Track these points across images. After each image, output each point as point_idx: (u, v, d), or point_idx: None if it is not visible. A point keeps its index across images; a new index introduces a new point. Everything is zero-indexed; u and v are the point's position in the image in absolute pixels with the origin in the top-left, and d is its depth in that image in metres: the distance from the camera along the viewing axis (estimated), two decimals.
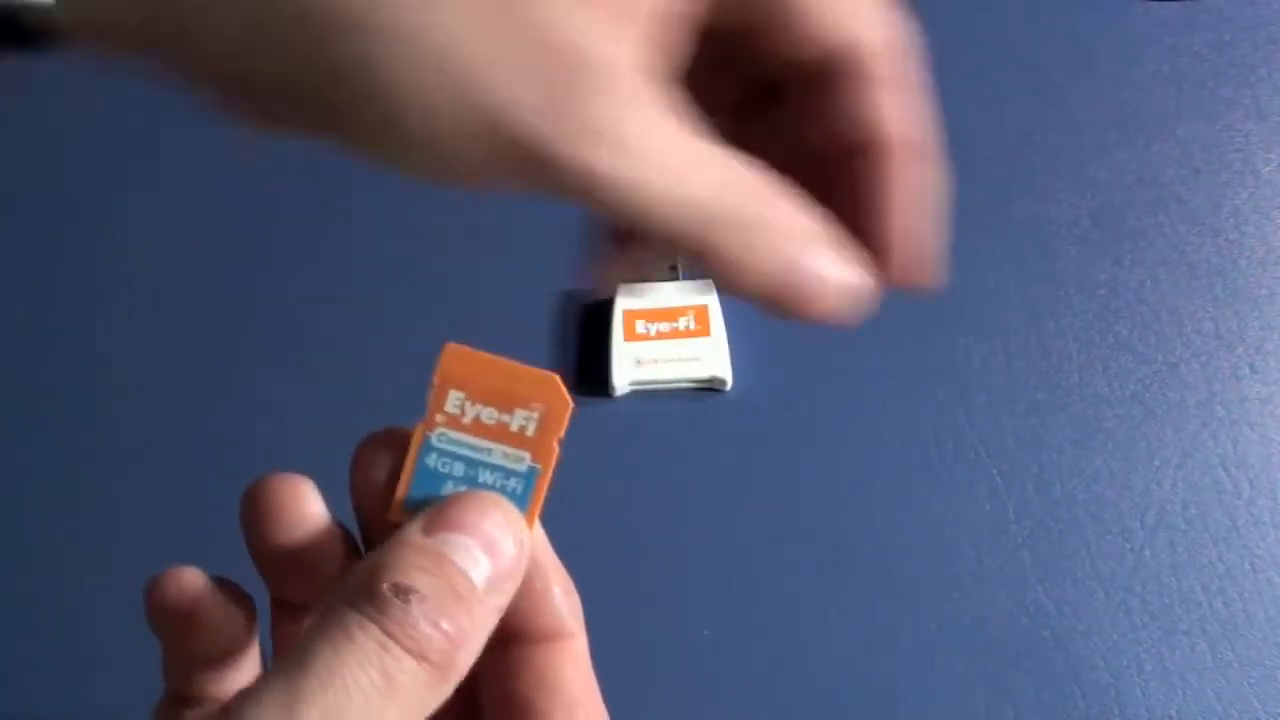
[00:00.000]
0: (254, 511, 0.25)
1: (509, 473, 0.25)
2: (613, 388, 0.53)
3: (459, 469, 0.25)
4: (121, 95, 0.60)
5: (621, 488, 0.53)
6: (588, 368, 0.55)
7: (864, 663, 0.49)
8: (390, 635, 0.21)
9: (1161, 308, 0.56)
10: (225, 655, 0.25)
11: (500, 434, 0.25)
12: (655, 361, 0.53)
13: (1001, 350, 0.55)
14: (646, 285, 0.55)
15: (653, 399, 0.54)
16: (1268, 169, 0.60)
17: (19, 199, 0.61)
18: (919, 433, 0.53)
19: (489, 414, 0.26)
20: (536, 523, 0.26)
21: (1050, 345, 0.55)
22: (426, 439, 0.25)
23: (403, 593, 0.22)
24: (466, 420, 0.26)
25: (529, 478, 0.25)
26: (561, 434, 0.26)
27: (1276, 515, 0.51)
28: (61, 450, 0.54)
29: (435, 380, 0.26)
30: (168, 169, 0.61)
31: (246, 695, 0.20)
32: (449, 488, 0.25)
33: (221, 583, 0.26)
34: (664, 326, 0.54)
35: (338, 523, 0.26)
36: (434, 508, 0.24)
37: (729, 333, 0.54)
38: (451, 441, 0.25)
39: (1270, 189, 0.59)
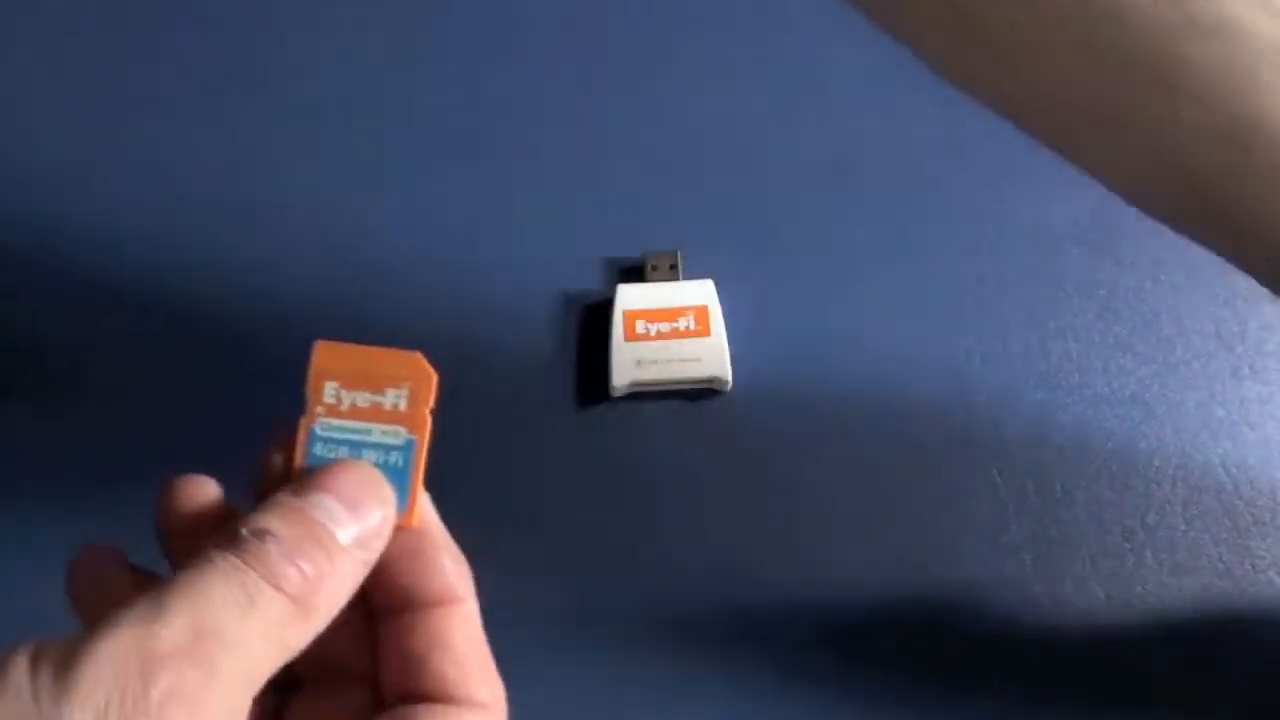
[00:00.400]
0: (163, 506, 0.27)
1: (389, 448, 0.28)
2: (613, 388, 0.53)
3: (344, 451, 0.28)
4: None
5: (621, 488, 0.52)
6: (588, 368, 0.55)
7: (863, 663, 0.49)
8: (248, 565, 0.23)
9: (1161, 308, 0.56)
10: None
11: (376, 414, 0.28)
12: (655, 361, 0.53)
13: (1001, 350, 0.55)
14: (646, 285, 0.55)
15: (653, 399, 0.54)
16: None
17: None
18: (919, 432, 0.53)
19: (363, 398, 0.28)
20: (424, 493, 0.28)
21: (1050, 345, 0.55)
22: (311, 430, 0.28)
23: (259, 534, 0.24)
24: (344, 407, 0.28)
25: (407, 450, 0.28)
26: (432, 404, 0.29)
27: (1276, 515, 0.51)
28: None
29: (310, 376, 0.29)
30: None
31: (116, 606, 0.22)
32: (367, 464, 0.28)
33: (131, 564, 0.27)
34: (664, 326, 0.54)
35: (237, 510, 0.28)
36: (303, 473, 0.27)
37: (729, 333, 0.54)
38: (333, 428, 0.28)
39: None
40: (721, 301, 0.55)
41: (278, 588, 0.23)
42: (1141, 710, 0.48)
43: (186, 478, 0.28)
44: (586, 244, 0.58)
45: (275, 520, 0.24)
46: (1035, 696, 0.48)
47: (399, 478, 0.28)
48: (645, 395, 0.54)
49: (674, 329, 0.54)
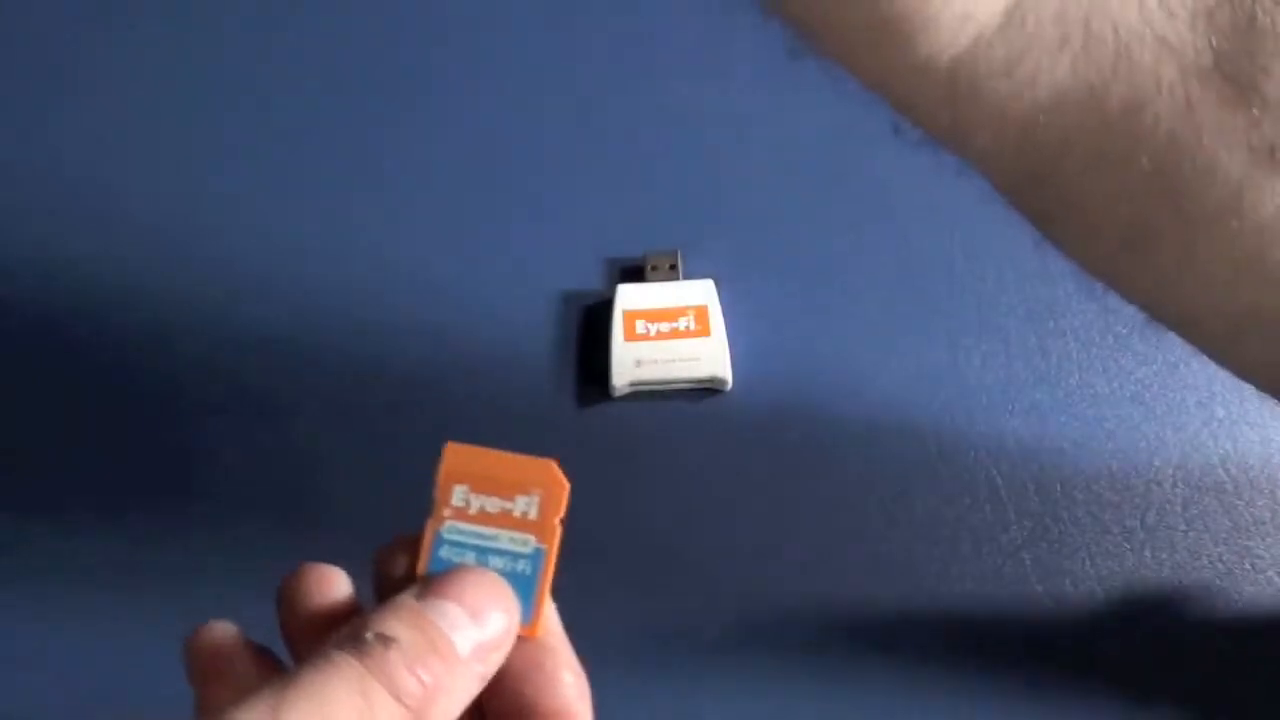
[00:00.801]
0: (289, 592, 0.27)
1: (516, 555, 0.28)
2: (612, 388, 0.53)
3: (470, 556, 0.27)
4: None
5: (621, 488, 0.52)
6: (588, 368, 0.55)
7: (863, 663, 0.49)
8: (369, 671, 0.23)
9: None
10: None
11: (505, 520, 0.28)
12: (655, 361, 0.53)
13: (1001, 350, 0.55)
14: (646, 285, 0.55)
15: (653, 399, 0.54)
16: None
17: None
18: (919, 433, 0.53)
19: (493, 503, 0.28)
20: (550, 604, 0.28)
21: (1050, 345, 0.55)
22: (437, 533, 0.28)
23: (383, 640, 0.24)
24: (472, 511, 0.28)
25: (536, 558, 0.28)
26: (562, 514, 0.28)
27: (1276, 515, 0.51)
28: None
29: (439, 478, 0.28)
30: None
31: (235, 704, 0.22)
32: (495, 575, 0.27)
33: (251, 643, 0.28)
34: (664, 326, 0.54)
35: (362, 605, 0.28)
36: (428, 577, 0.26)
37: (729, 333, 0.54)
38: (460, 532, 0.28)
39: None
40: (721, 301, 0.55)
41: (397, 698, 0.23)
42: (1141, 710, 0.48)
43: (316, 567, 0.28)
44: (586, 244, 0.58)
45: (399, 625, 0.24)
46: (1035, 696, 0.48)
47: (525, 586, 0.27)
48: (645, 395, 0.54)
49: (674, 329, 0.54)
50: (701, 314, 0.54)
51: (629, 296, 0.55)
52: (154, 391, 0.55)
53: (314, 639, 0.26)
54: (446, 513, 0.28)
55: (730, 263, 0.57)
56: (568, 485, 0.28)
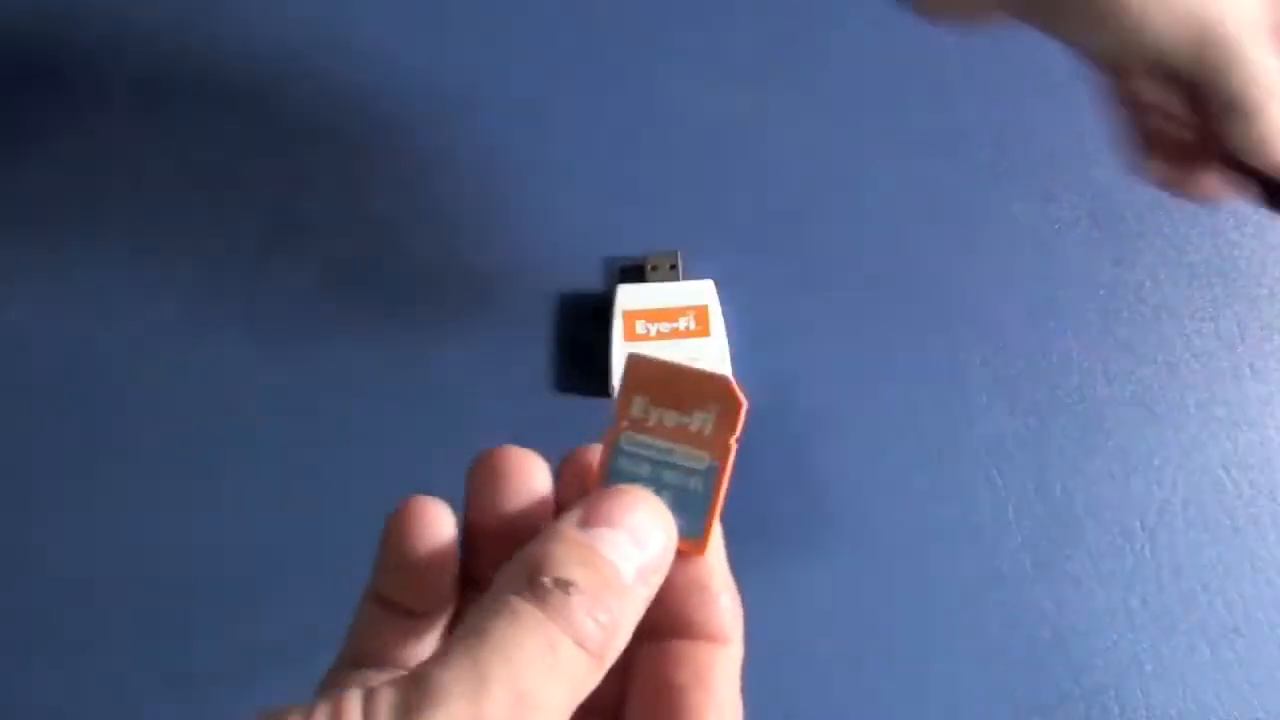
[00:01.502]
0: (485, 476, 0.28)
1: (690, 471, 0.27)
2: (612, 388, 0.53)
3: (645, 469, 0.27)
4: None
5: None
6: (588, 368, 0.55)
7: (863, 663, 0.49)
8: (554, 621, 0.23)
9: (1161, 308, 0.56)
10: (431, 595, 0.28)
11: (681, 435, 0.27)
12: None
13: (1001, 350, 0.55)
14: (646, 285, 0.55)
15: None
16: None
17: None
18: (919, 433, 0.53)
19: (670, 417, 0.27)
20: (717, 523, 0.28)
21: (1050, 345, 0.55)
22: (616, 442, 0.28)
23: (562, 585, 0.24)
24: (650, 423, 0.28)
25: (708, 475, 0.27)
26: (738, 433, 0.27)
27: (1276, 515, 0.51)
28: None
29: (622, 386, 0.28)
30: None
31: (434, 663, 0.22)
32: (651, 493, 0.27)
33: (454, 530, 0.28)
34: (664, 326, 0.54)
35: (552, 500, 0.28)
36: (586, 501, 0.26)
37: (729, 333, 0.54)
38: (638, 443, 0.28)
39: None
40: (721, 301, 0.55)
41: (580, 644, 0.23)
42: (1141, 709, 0.48)
43: (517, 455, 0.28)
44: (586, 244, 0.58)
45: (574, 567, 0.24)
46: (1036, 695, 0.48)
47: (697, 503, 0.27)
48: None
49: (674, 329, 0.54)
50: (701, 314, 0.54)
51: (629, 296, 0.55)
52: None
53: (502, 536, 0.27)
54: (625, 423, 0.28)
55: (730, 263, 0.57)
56: (745, 403, 0.27)
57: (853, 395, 0.54)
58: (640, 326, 0.54)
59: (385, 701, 0.21)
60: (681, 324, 0.54)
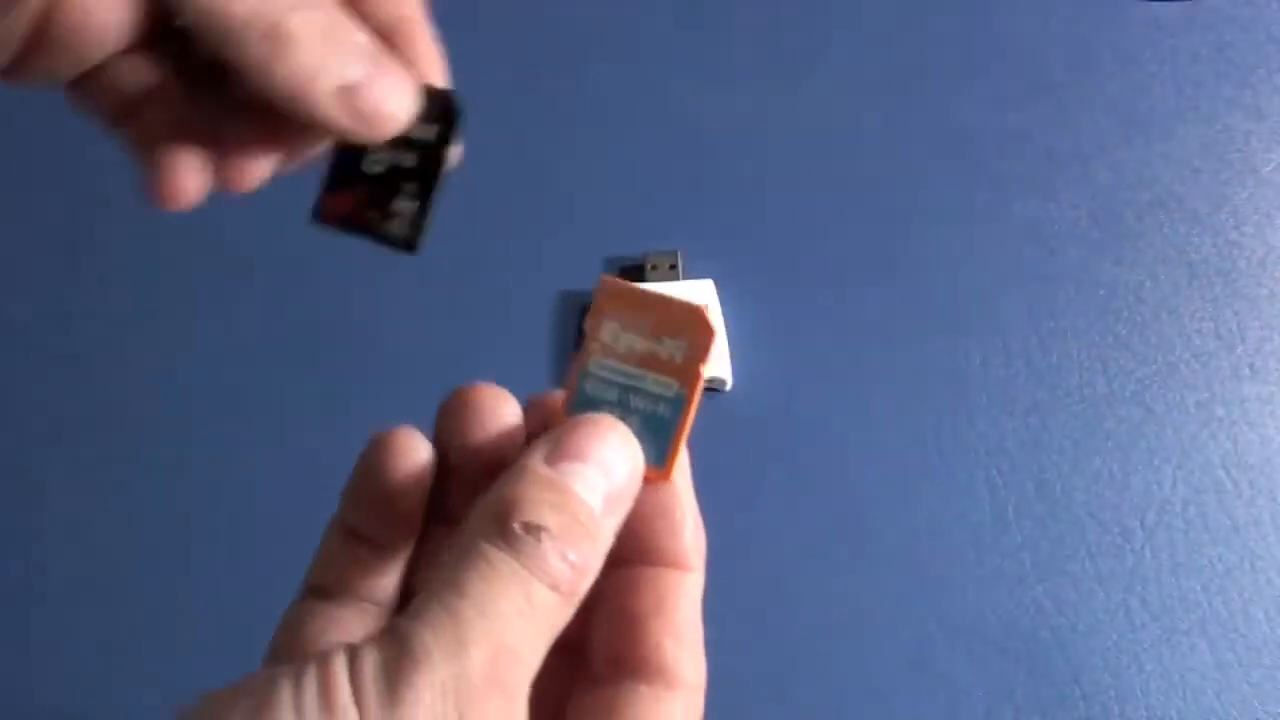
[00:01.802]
0: (455, 410, 0.28)
1: (658, 398, 0.27)
2: None
3: (613, 394, 0.27)
4: None
5: None
6: None
7: (864, 663, 0.49)
8: (527, 568, 0.23)
9: (1161, 308, 0.56)
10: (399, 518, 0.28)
11: (650, 362, 0.27)
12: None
13: (1001, 350, 0.55)
14: (646, 285, 0.55)
15: None
16: (1268, 169, 0.60)
17: None
18: (919, 433, 0.53)
19: (640, 343, 0.27)
20: (684, 450, 0.28)
21: (1050, 345, 0.55)
22: (585, 366, 0.27)
23: (534, 530, 0.24)
24: (620, 349, 0.27)
25: (677, 403, 0.27)
26: (708, 360, 0.27)
27: (1276, 515, 0.51)
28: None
29: (592, 311, 0.28)
30: None
31: (414, 618, 0.22)
32: (603, 412, 0.27)
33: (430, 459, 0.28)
34: None
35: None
36: (553, 435, 0.26)
37: (729, 333, 0.54)
38: (607, 368, 0.27)
39: (1270, 189, 0.59)
40: (721, 301, 0.55)
41: (554, 588, 0.24)
42: (1141, 709, 0.48)
43: (484, 390, 0.28)
44: (586, 244, 0.58)
45: (544, 509, 0.24)
46: (1036, 696, 0.48)
47: (663, 430, 0.27)
48: None
49: None
50: None
51: None
52: None
53: (471, 470, 0.27)
54: (595, 347, 0.27)
55: (730, 263, 0.57)
56: (715, 332, 0.27)
57: (852, 395, 0.54)
58: None
59: (370, 665, 0.22)
60: None
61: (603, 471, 0.26)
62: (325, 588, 0.27)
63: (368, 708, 0.21)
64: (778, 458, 0.53)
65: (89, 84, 0.29)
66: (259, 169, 0.30)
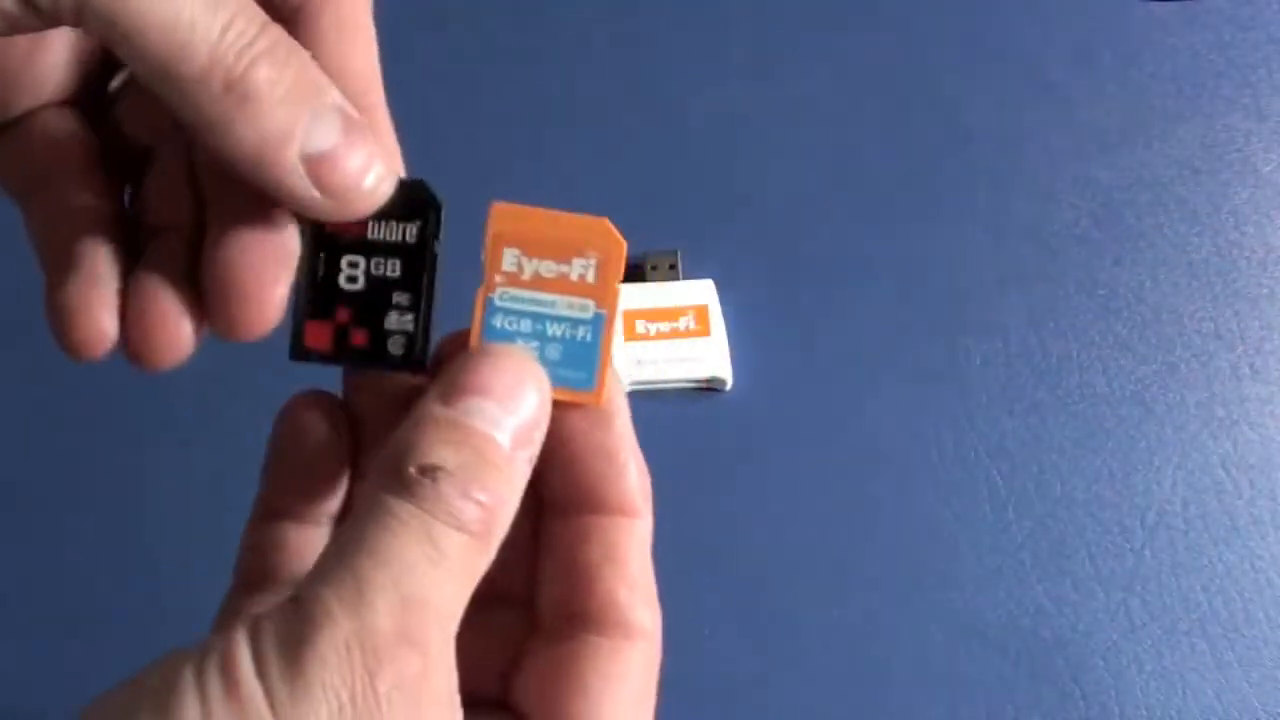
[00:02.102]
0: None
1: (576, 322, 0.26)
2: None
3: (525, 325, 0.26)
4: None
5: None
6: None
7: (864, 663, 0.49)
8: (429, 513, 0.22)
9: (1161, 308, 0.56)
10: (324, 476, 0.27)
11: (562, 285, 0.26)
12: (655, 361, 0.53)
13: (1001, 350, 0.55)
14: (646, 285, 0.55)
15: (653, 399, 0.54)
16: (1268, 169, 0.60)
17: None
18: (919, 433, 0.53)
19: (547, 267, 0.26)
20: (615, 377, 0.26)
21: (1050, 345, 0.55)
22: (489, 300, 0.26)
23: (429, 472, 0.22)
24: (526, 276, 0.26)
25: (596, 324, 0.26)
26: (620, 274, 0.26)
27: (1276, 515, 0.51)
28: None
29: (488, 240, 0.26)
30: None
31: (313, 580, 0.21)
32: (518, 345, 0.25)
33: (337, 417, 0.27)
34: (664, 326, 0.54)
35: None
36: (447, 373, 0.24)
37: (729, 333, 0.54)
38: (514, 299, 0.26)
39: (1270, 189, 0.59)
40: (721, 301, 0.55)
41: (461, 529, 0.22)
42: (1141, 709, 0.48)
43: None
44: None
45: (441, 448, 0.23)
46: (1036, 696, 0.48)
47: (587, 353, 0.25)
48: (645, 395, 0.54)
49: (674, 329, 0.54)
50: (701, 314, 0.54)
51: (629, 296, 0.55)
52: None
53: (388, 426, 0.25)
54: (498, 279, 0.26)
55: (730, 263, 0.57)
56: (624, 244, 0.26)
57: (852, 395, 0.54)
58: (640, 326, 0.54)
59: (270, 635, 0.20)
60: (681, 324, 0.54)
61: (504, 403, 0.24)
62: (257, 579, 0.26)
63: (271, 679, 0.20)
64: (778, 458, 0.53)
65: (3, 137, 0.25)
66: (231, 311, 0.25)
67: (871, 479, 0.52)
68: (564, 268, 0.26)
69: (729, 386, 0.54)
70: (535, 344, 0.25)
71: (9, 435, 0.55)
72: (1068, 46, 0.63)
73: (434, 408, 0.23)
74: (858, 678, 0.49)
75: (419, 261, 0.27)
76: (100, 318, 0.24)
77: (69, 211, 0.25)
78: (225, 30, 0.22)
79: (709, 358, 0.54)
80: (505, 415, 0.24)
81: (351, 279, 0.26)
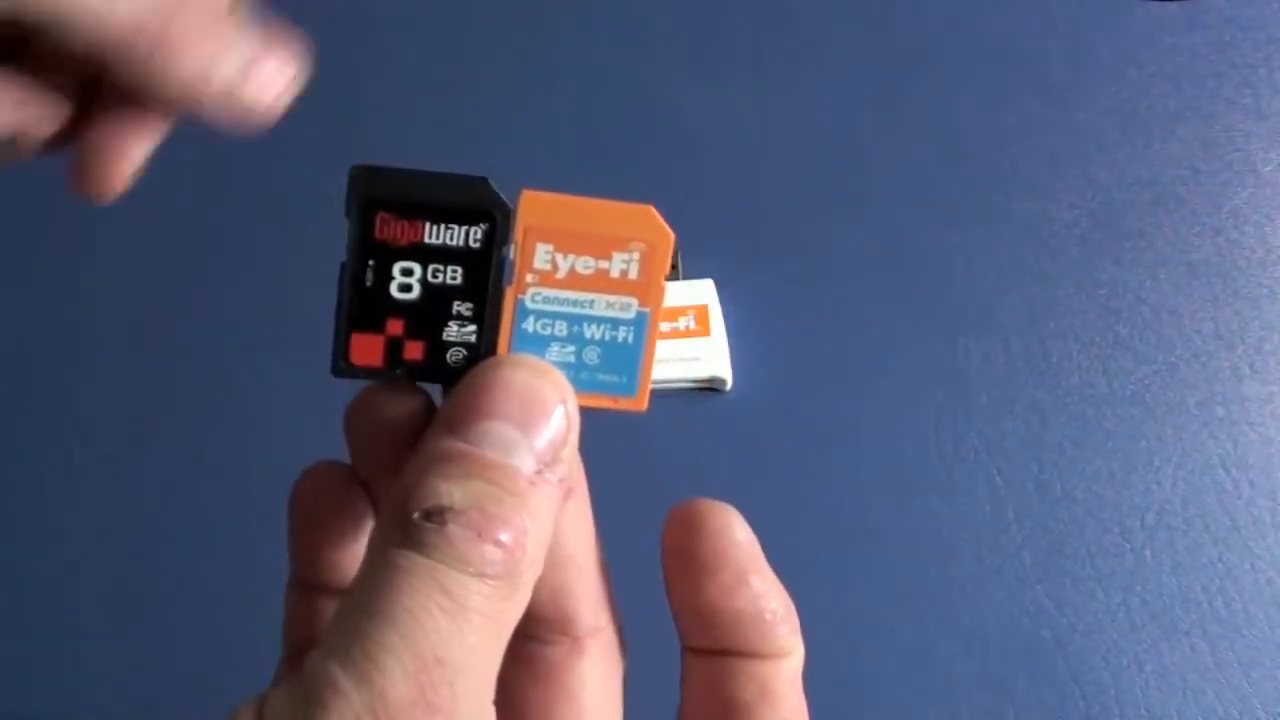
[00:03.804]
0: (358, 423, 0.24)
1: (617, 323, 0.23)
2: None
3: (561, 327, 0.23)
4: None
5: (620, 488, 0.52)
6: None
7: (864, 663, 0.49)
8: (438, 562, 0.19)
9: (1161, 308, 0.56)
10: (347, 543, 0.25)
11: (601, 283, 0.23)
12: (655, 361, 0.53)
13: (1001, 350, 0.55)
14: None
15: (653, 399, 0.54)
16: (1268, 169, 0.60)
17: None
18: (919, 433, 0.53)
19: (584, 263, 0.23)
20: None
21: (1050, 345, 0.55)
22: (519, 301, 0.23)
23: (436, 515, 0.20)
24: (561, 275, 0.23)
25: (639, 323, 0.23)
26: (667, 270, 0.23)
27: (1276, 515, 0.51)
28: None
29: (518, 234, 0.22)
30: None
31: (319, 650, 0.19)
32: (554, 350, 0.23)
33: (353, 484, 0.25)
34: (664, 326, 0.54)
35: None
36: (452, 396, 0.22)
37: (729, 333, 0.54)
38: (548, 300, 0.23)
39: (1270, 189, 0.59)
40: (721, 301, 0.55)
41: (480, 576, 0.19)
42: (1141, 709, 0.48)
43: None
44: None
45: (447, 485, 0.20)
46: (1036, 696, 0.48)
47: (629, 357, 0.23)
48: None
49: (674, 329, 0.54)
50: (701, 314, 0.54)
51: None
52: None
53: (387, 460, 0.23)
54: (530, 278, 0.22)
55: (730, 263, 0.57)
56: (672, 235, 0.23)
57: (853, 395, 0.54)
58: None
59: (276, 713, 0.19)
60: (681, 324, 0.54)
61: (519, 422, 0.21)
62: (302, 649, 0.24)
63: None
64: (778, 458, 0.53)
65: None
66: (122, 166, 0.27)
67: (871, 479, 0.52)
68: (603, 263, 0.23)
69: (729, 386, 0.54)
70: (572, 348, 0.23)
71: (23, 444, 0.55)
72: (1068, 46, 0.63)
73: (439, 440, 0.21)
74: (857, 677, 0.49)
75: (483, 268, 0.23)
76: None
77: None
78: None
79: (709, 358, 0.54)
80: (522, 436, 0.21)
81: (405, 288, 0.23)
